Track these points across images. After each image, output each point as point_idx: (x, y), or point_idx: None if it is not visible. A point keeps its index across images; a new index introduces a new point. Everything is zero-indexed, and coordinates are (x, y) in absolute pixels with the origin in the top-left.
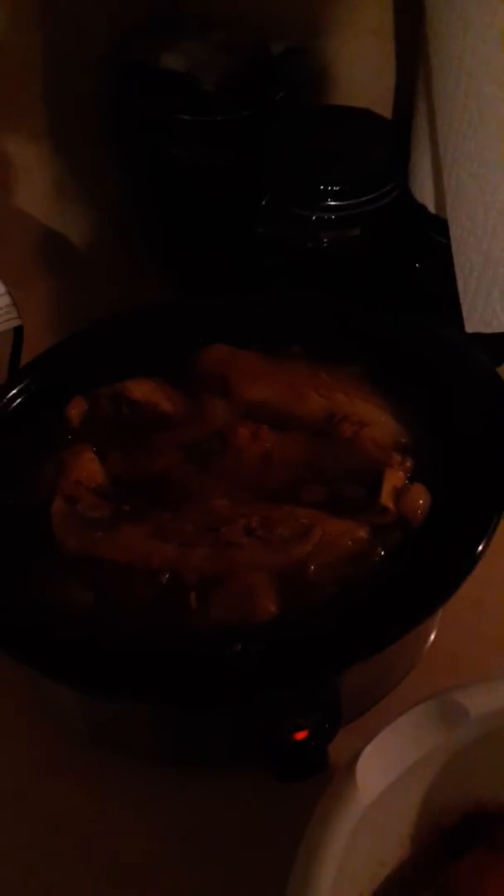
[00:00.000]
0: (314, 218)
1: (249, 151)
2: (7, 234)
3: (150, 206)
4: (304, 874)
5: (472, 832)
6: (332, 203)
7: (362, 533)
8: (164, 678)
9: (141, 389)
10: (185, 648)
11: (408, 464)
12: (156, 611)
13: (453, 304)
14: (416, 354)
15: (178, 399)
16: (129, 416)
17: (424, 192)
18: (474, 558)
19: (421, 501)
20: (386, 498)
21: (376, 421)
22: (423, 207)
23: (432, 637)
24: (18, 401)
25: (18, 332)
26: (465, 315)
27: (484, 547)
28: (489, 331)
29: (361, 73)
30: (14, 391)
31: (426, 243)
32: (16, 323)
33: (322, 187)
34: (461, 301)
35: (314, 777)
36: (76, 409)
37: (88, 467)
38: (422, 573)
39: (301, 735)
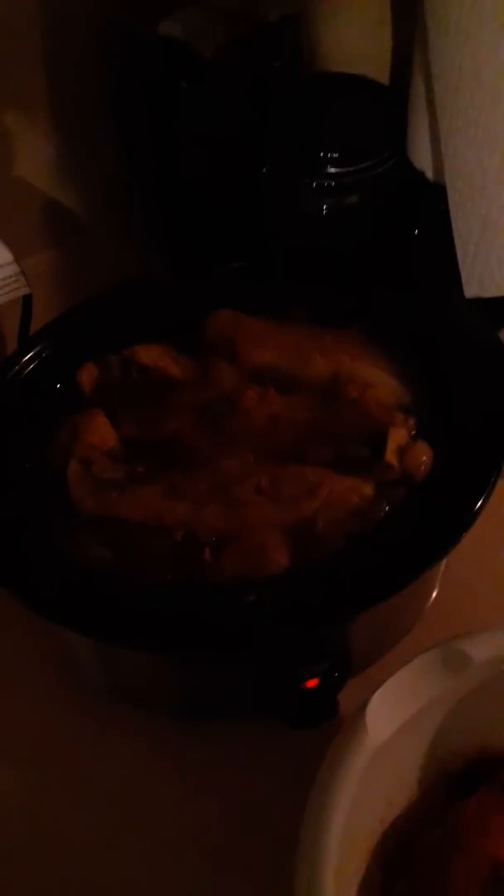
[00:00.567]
0: (314, 185)
1: (247, 120)
2: (11, 205)
3: (151, 176)
4: (318, 815)
5: (477, 775)
6: (332, 170)
7: (368, 489)
8: (182, 628)
9: (149, 354)
10: (200, 600)
11: (410, 423)
12: (172, 566)
13: (452, 270)
14: (416, 318)
15: (186, 363)
16: (138, 380)
17: (422, 159)
18: (474, 513)
19: (424, 458)
20: (390, 455)
21: (379, 382)
22: (421, 174)
23: (434, 595)
24: (30, 368)
25: (27, 300)
26: (464, 280)
27: (483, 502)
28: (488, 295)
29: (358, 39)
30: (25, 358)
31: (425, 210)
32: (24, 291)
33: (321, 155)
34: (460, 266)
35: (324, 724)
36: (87, 375)
37: (101, 431)
38: (425, 527)
39: (312, 683)
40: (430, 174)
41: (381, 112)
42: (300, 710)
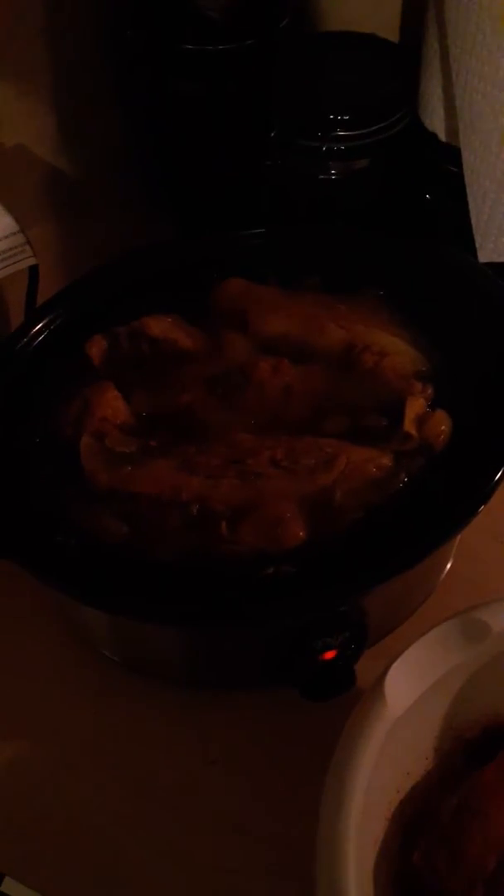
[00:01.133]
0: (323, 149)
1: (254, 81)
2: (14, 175)
3: (156, 142)
4: (338, 786)
5: (493, 744)
6: (341, 133)
7: (386, 460)
8: (199, 602)
9: (159, 326)
10: (217, 574)
11: (429, 391)
12: (188, 539)
13: (465, 234)
14: (431, 282)
15: (197, 334)
16: (148, 352)
17: (435, 120)
18: (495, 483)
19: (443, 427)
20: (409, 425)
21: (396, 350)
22: (433, 136)
23: (449, 566)
24: (38, 340)
25: (34, 270)
26: (477, 244)
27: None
28: (503, 259)
29: None
30: (33, 330)
31: (437, 172)
32: (31, 262)
33: (331, 117)
34: (474, 230)
35: (341, 696)
36: (96, 348)
37: (113, 404)
38: (444, 497)
39: (329, 655)
40: (442, 135)
41: (391, 72)
42: (317, 683)
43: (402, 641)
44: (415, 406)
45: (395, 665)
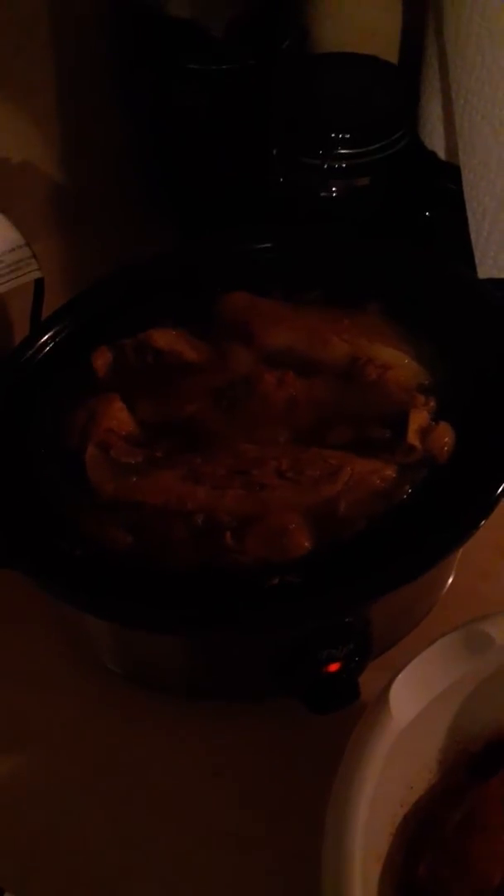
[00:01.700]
0: (325, 167)
1: (256, 100)
2: (19, 188)
3: (159, 157)
4: (343, 798)
5: (496, 757)
6: (342, 151)
7: (390, 471)
8: (204, 613)
9: (164, 338)
10: (223, 585)
11: (431, 404)
12: (193, 550)
13: (464, 252)
14: (433, 295)
15: (201, 347)
16: (153, 364)
17: (434, 139)
18: (498, 494)
19: (446, 439)
20: (412, 437)
21: (399, 363)
22: (433, 154)
23: (451, 578)
24: (44, 352)
25: (39, 283)
26: (477, 260)
27: None
28: (502, 276)
29: (367, 18)
30: (39, 342)
31: (436, 191)
32: (36, 275)
33: (332, 136)
34: (474, 246)
35: (345, 708)
36: (102, 359)
37: (118, 416)
38: (448, 508)
39: (334, 667)
40: (442, 154)
41: (390, 92)
42: (321, 695)
43: (405, 654)
44: (418, 418)
45: (398, 677)
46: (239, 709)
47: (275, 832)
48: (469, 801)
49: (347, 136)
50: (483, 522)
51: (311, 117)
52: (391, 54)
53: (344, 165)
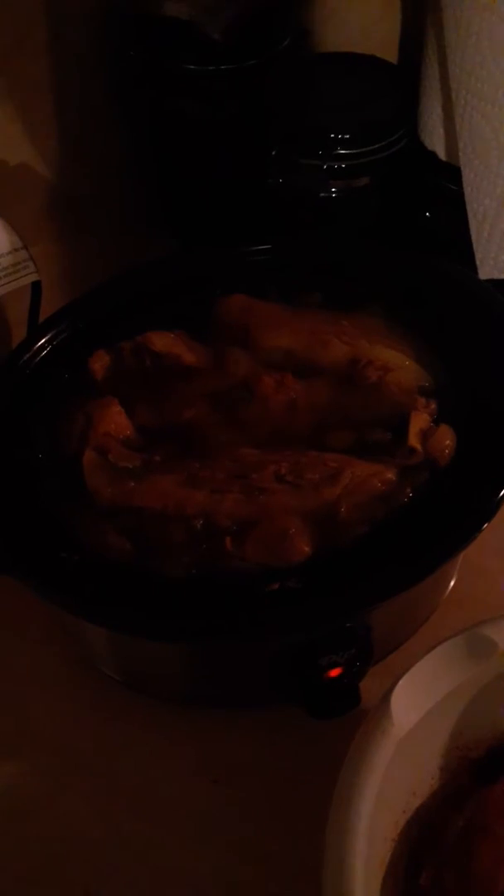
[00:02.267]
0: (324, 167)
1: (255, 101)
2: (17, 192)
3: (157, 159)
4: (345, 805)
5: (498, 763)
6: (342, 152)
7: (391, 475)
8: (203, 619)
9: (162, 341)
10: (222, 589)
11: (432, 406)
12: (192, 555)
13: (465, 252)
14: (434, 296)
15: (200, 350)
16: (151, 367)
17: (434, 139)
18: (500, 497)
19: (447, 442)
20: (413, 440)
21: (399, 365)
22: (433, 155)
23: (453, 581)
24: (41, 355)
25: (36, 286)
26: (478, 261)
27: None
28: (503, 277)
29: (366, 17)
30: (36, 346)
31: (436, 191)
32: (34, 278)
33: (331, 136)
34: (474, 247)
35: (346, 714)
36: (99, 363)
37: (116, 420)
38: (449, 512)
39: (335, 672)
40: (442, 154)
41: (390, 92)
42: (322, 701)
43: (407, 658)
44: (418, 421)
45: (400, 682)
46: (238, 715)
47: (274, 840)
48: (472, 806)
49: (347, 136)
50: (485, 526)
51: (310, 118)
52: (390, 54)
53: (343, 166)
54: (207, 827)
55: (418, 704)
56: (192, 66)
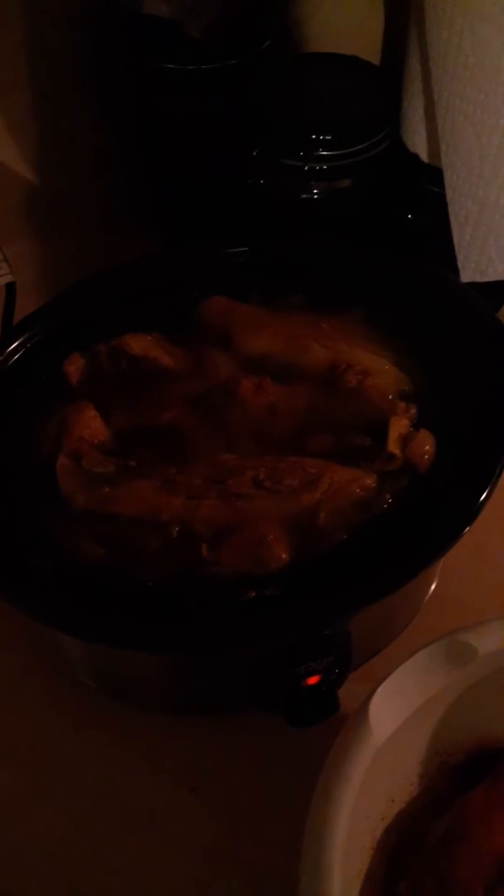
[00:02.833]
0: (306, 168)
1: (237, 101)
2: None
3: (138, 159)
4: (322, 814)
5: (477, 768)
6: (324, 153)
7: (370, 480)
8: (178, 628)
9: (139, 344)
10: (198, 598)
11: (412, 411)
12: (168, 562)
13: (447, 255)
14: (414, 300)
15: (178, 353)
16: (128, 371)
17: (417, 141)
18: (480, 504)
19: (427, 447)
20: (393, 445)
21: (379, 369)
22: (415, 156)
23: (433, 586)
24: (14, 358)
25: (11, 288)
26: (460, 264)
27: (489, 491)
28: (485, 279)
29: (350, 18)
30: (10, 348)
31: (419, 193)
32: (8, 279)
33: (313, 137)
34: (456, 250)
35: (324, 721)
36: (74, 366)
37: (91, 424)
38: (429, 518)
39: (313, 680)
40: (424, 156)
41: (373, 93)
42: (300, 709)
43: (386, 663)
44: (398, 426)
45: (378, 690)
46: (216, 722)
47: (252, 848)
48: (451, 812)
49: (329, 137)
50: (465, 532)
51: (292, 118)
52: (373, 55)
53: (325, 167)
54: (185, 835)
55: (396, 712)
56: (171, 66)
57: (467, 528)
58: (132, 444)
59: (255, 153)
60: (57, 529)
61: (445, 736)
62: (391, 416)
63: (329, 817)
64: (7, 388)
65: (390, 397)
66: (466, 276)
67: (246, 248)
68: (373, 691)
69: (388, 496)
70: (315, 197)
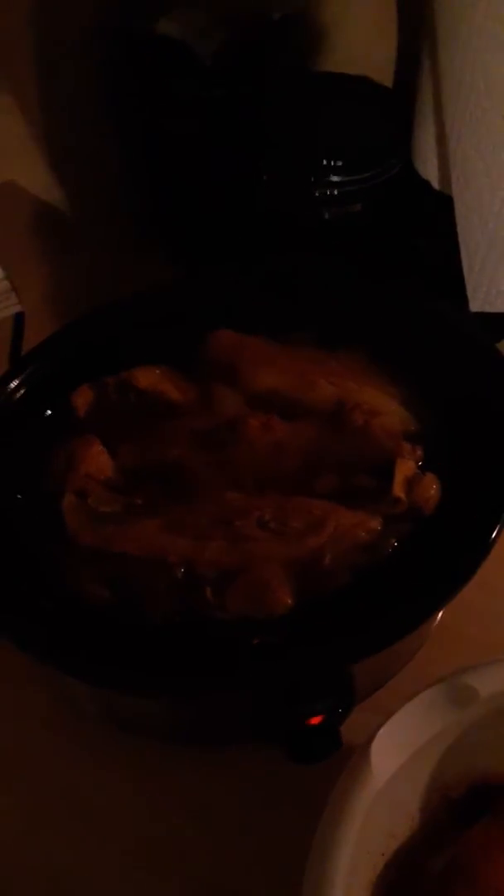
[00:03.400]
0: (316, 194)
1: (247, 125)
2: (3, 214)
3: (149, 184)
4: (323, 856)
5: (478, 803)
6: (334, 178)
7: (375, 524)
8: (181, 672)
9: (148, 378)
10: (202, 642)
11: (418, 452)
12: (172, 605)
13: (457, 282)
14: (423, 336)
15: (186, 387)
16: (136, 404)
17: (428, 168)
18: (487, 546)
19: (432, 491)
20: (398, 488)
21: (386, 409)
22: (426, 183)
23: (439, 617)
24: (22, 391)
25: (19, 318)
26: (469, 294)
27: (497, 534)
28: (494, 310)
29: (361, 41)
30: (17, 380)
31: (429, 220)
32: (16, 309)
33: (324, 162)
34: (466, 280)
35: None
36: (82, 399)
37: (97, 460)
38: (435, 562)
39: (316, 720)
40: (435, 183)
41: (384, 117)
42: (303, 747)
43: (392, 695)
44: (404, 468)
45: (380, 732)
46: (217, 752)
47: (252, 882)
48: (452, 848)
49: (340, 163)
50: (472, 578)
51: (302, 142)
52: (386, 78)
53: (336, 192)
54: (184, 865)
55: (398, 752)
56: (183, 92)
57: (473, 575)
58: (138, 480)
59: (264, 177)
60: (62, 569)
61: (446, 773)
62: (397, 458)
63: (329, 859)
64: (14, 420)
65: (397, 438)
66: (476, 305)
67: (255, 278)
68: (374, 733)
69: (393, 540)
70: (325, 222)
